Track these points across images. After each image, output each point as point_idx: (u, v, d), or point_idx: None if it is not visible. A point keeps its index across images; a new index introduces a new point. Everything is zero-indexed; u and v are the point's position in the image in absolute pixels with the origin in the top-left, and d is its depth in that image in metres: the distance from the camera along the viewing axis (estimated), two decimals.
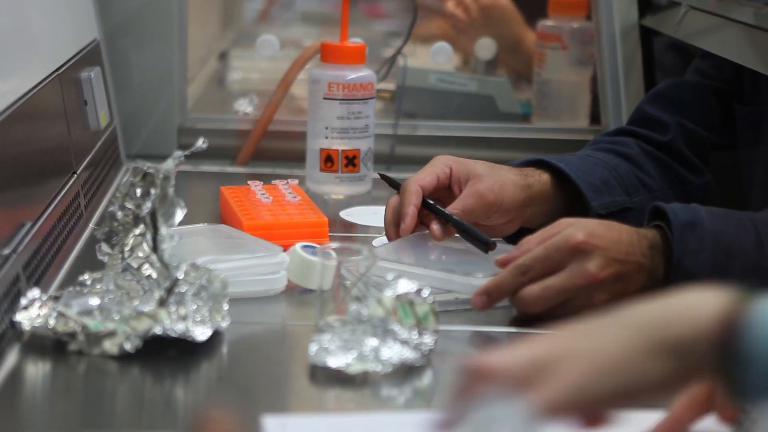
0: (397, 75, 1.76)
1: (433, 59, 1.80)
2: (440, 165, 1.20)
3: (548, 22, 1.74)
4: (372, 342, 0.92)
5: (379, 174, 1.28)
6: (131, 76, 1.63)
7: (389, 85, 1.78)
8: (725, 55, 1.35)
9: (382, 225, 1.31)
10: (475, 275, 1.05)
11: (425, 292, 0.93)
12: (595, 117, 1.72)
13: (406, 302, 0.93)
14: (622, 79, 1.62)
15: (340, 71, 1.44)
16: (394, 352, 0.92)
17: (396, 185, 1.22)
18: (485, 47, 1.81)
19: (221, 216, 1.33)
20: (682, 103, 1.36)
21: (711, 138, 1.35)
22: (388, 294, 0.93)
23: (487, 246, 1.12)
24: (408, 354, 0.92)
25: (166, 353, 0.92)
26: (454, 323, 1.03)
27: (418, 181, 1.18)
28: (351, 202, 1.42)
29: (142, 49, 1.63)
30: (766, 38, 1.27)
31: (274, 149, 1.66)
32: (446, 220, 1.15)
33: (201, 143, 1.06)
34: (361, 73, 1.44)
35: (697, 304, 0.63)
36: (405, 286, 0.93)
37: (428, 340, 0.93)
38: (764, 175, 1.30)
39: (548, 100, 1.74)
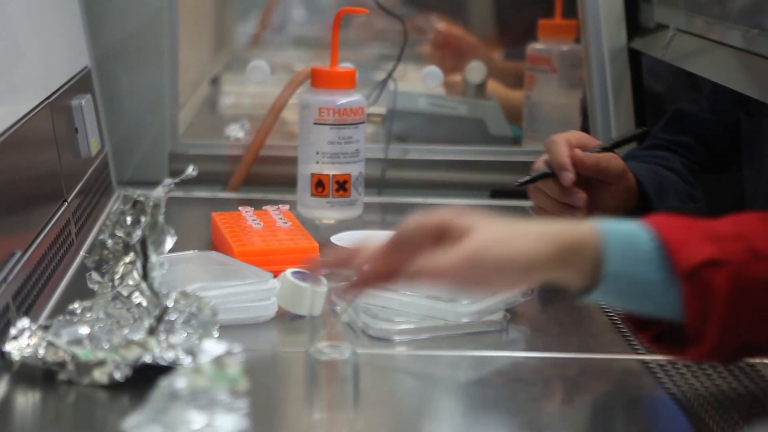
0: (387, 99, 1.76)
1: (424, 83, 1.81)
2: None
3: (538, 46, 1.75)
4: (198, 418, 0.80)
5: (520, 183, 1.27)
6: (123, 102, 1.64)
7: (380, 109, 1.79)
8: (713, 78, 1.36)
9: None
10: (461, 302, 1.06)
11: (235, 349, 0.89)
12: None
13: (217, 365, 0.85)
14: (611, 102, 1.63)
15: (330, 96, 1.44)
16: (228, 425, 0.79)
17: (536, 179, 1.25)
18: (475, 71, 1.82)
19: (212, 242, 1.33)
20: (691, 131, 1.41)
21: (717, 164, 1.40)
22: (204, 359, 0.86)
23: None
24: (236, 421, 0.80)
25: (156, 382, 0.92)
26: (442, 348, 1.04)
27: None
28: (342, 226, 1.43)
29: (133, 75, 1.64)
30: (753, 61, 1.28)
31: (266, 174, 1.66)
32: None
33: (191, 171, 1.06)
34: (352, 98, 1.45)
35: (582, 226, 0.87)
36: (214, 348, 0.87)
37: (241, 405, 0.82)
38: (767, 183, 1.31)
39: (538, 122, 1.75)
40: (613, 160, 1.25)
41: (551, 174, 1.23)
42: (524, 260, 0.85)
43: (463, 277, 0.86)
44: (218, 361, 0.86)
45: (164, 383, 0.82)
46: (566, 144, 1.23)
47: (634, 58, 1.63)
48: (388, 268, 0.89)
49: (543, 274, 0.86)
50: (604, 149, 1.26)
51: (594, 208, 1.24)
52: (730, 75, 1.31)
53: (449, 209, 0.90)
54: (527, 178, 1.25)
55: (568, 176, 1.21)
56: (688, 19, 1.51)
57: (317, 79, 1.46)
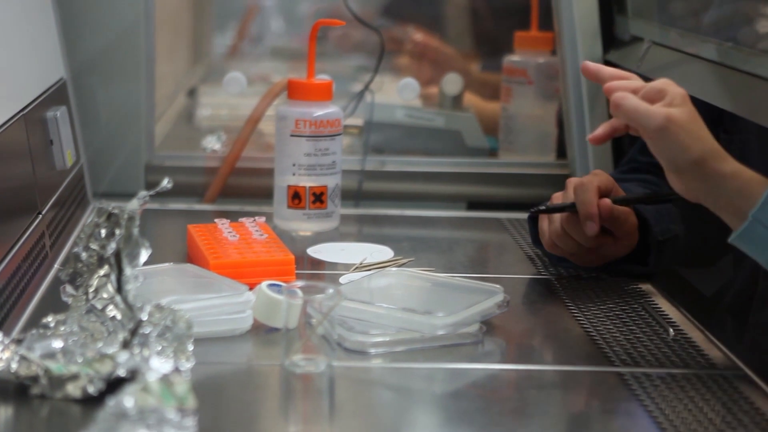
0: (364, 110, 1.76)
1: (400, 95, 1.81)
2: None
3: (514, 58, 1.75)
4: None
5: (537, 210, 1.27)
6: (98, 114, 1.63)
7: (357, 121, 1.79)
8: (688, 90, 1.37)
9: (350, 261, 1.32)
10: (436, 314, 1.06)
11: (184, 365, 0.88)
12: (561, 151, 1.73)
13: (165, 383, 0.85)
14: (587, 114, 1.64)
15: (307, 108, 1.44)
16: None
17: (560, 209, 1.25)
18: (452, 82, 1.82)
19: (188, 254, 1.32)
20: None
21: None
22: (152, 378, 0.85)
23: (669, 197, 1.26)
24: None
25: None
26: (418, 361, 1.04)
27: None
28: (319, 238, 1.43)
29: (109, 87, 1.63)
30: (728, 74, 1.29)
31: (242, 186, 1.66)
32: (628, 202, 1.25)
33: (166, 183, 1.06)
34: (328, 110, 1.45)
35: None
36: (162, 366, 0.87)
37: (190, 423, 0.82)
38: None
39: (515, 134, 1.76)
40: (630, 216, 1.25)
41: (572, 209, 1.23)
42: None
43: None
44: (166, 380, 0.85)
45: (112, 402, 0.81)
46: (596, 192, 1.23)
47: None
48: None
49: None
50: (625, 202, 1.25)
51: (598, 252, 1.26)
52: (704, 88, 1.32)
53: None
54: (545, 207, 1.25)
55: (593, 227, 1.22)
56: (663, 32, 1.53)
57: (294, 91, 1.46)
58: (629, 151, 1.51)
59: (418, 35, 2.02)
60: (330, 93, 1.46)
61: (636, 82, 1.09)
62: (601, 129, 1.11)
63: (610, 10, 1.64)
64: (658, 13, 1.59)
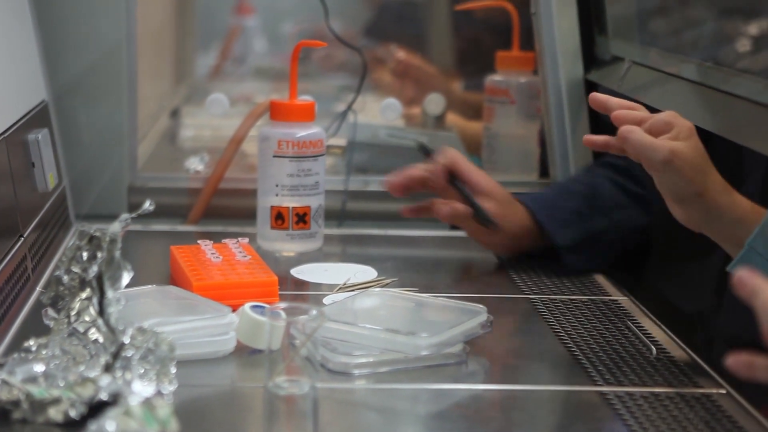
0: (347, 130, 1.77)
1: (383, 115, 1.82)
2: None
3: (496, 77, 1.76)
4: None
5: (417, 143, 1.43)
6: (81, 136, 1.63)
7: (340, 141, 1.79)
8: (668, 110, 1.38)
9: (334, 282, 1.32)
10: (419, 335, 1.06)
11: (166, 388, 0.88)
12: (544, 170, 1.74)
13: (147, 407, 0.85)
14: (569, 132, 1.64)
15: (289, 129, 1.44)
16: None
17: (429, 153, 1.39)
18: (434, 102, 1.83)
19: (171, 276, 1.32)
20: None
21: None
22: (134, 401, 0.85)
23: (493, 224, 1.35)
24: None
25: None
26: (401, 382, 1.04)
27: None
28: (302, 259, 1.43)
29: (91, 108, 1.63)
30: (708, 94, 1.30)
31: (226, 207, 1.66)
32: (464, 196, 1.37)
33: (148, 205, 1.06)
34: (311, 131, 1.45)
35: None
36: (144, 389, 0.87)
37: None
38: None
39: (498, 153, 1.76)
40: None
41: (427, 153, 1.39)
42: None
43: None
44: (148, 403, 0.85)
45: (93, 427, 0.81)
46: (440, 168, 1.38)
47: (591, 89, 1.65)
48: None
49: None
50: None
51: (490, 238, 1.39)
52: (684, 107, 1.33)
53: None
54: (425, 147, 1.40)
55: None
56: (643, 52, 1.54)
57: (276, 112, 1.46)
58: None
59: (400, 53, 2.03)
60: (312, 114, 1.46)
61: (642, 113, 1.10)
62: (602, 139, 1.13)
63: (591, 31, 1.65)
64: (639, 33, 1.60)
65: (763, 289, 0.75)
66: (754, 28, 1.36)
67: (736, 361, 0.76)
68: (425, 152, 1.40)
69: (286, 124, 1.45)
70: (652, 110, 1.44)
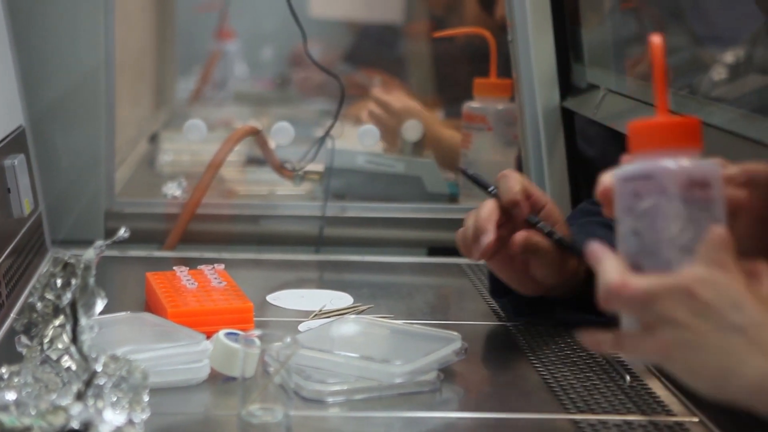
0: (326, 156, 1.77)
1: (361, 141, 1.82)
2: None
3: (473, 104, 1.77)
4: None
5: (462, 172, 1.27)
6: (58, 160, 1.63)
7: (318, 166, 1.80)
8: None
9: (309, 308, 1.32)
10: (394, 362, 1.06)
11: (139, 417, 0.87)
12: None
13: None
14: (545, 159, 1.65)
15: None
16: None
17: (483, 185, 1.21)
18: (412, 129, 1.84)
19: (146, 302, 1.32)
20: None
21: None
22: (105, 430, 0.85)
23: (577, 251, 1.15)
24: None
25: None
26: (376, 409, 1.03)
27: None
28: (278, 285, 1.42)
29: (69, 133, 1.63)
30: None
31: (203, 232, 1.66)
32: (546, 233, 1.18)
33: (123, 232, 1.06)
34: None
35: None
36: (114, 418, 0.87)
37: None
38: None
39: None
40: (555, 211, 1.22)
41: (493, 194, 1.20)
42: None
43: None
44: None
45: None
46: (519, 183, 1.19)
47: (567, 116, 1.66)
48: None
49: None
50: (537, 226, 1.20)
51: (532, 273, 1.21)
52: None
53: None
54: (474, 175, 1.24)
55: (521, 212, 1.17)
56: (619, 80, 1.55)
57: None
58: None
59: (376, 93, 2.02)
60: None
61: None
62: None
63: (568, 58, 1.67)
64: (614, 62, 1.61)
65: (607, 257, 0.80)
66: (729, 57, 1.37)
67: (586, 338, 0.83)
68: (481, 185, 1.24)
69: None
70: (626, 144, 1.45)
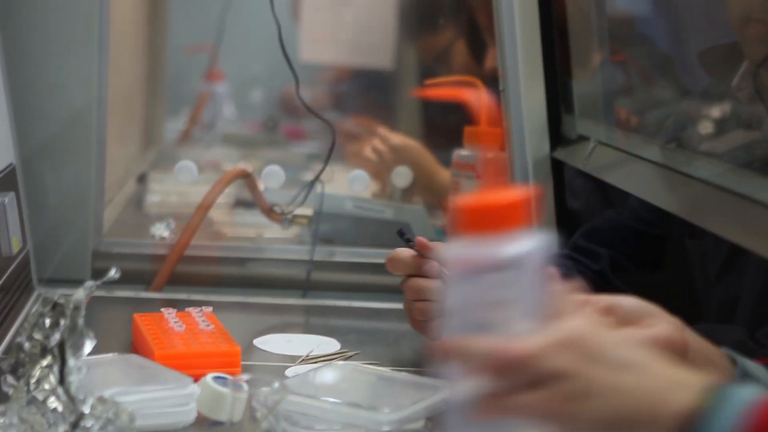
0: (315, 200, 1.77)
1: (351, 186, 1.83)
2: None
3: (463, 152, 1.78)
4: None
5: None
6: (47, 199, 1.62)
7: (307, 210, 1.80)
8: (632, 191, 1.40)
9: (296, 353, 1.31)
10: (382, 410, 1.05)
11: None
12: None
13: None
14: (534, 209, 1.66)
15: None
16: None
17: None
18: (401, 175, 1.85)
19: (133, 344, 1.31)
20: (613, 240, 1.46)
21: (637, 270, 1.42)
22: None
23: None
24: None
25: None
26: None
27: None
28: (266, 329, 1.42)
29: (58, 172, 1.63)
30: (671, 176, 1.31)
31: (191, 274, 1.65)
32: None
33: (113, 273, 1.05)
34: None
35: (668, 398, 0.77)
36: None
37: None
38: (713, 296, 1.33)
39: None
40: None
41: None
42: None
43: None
44: None
45: None
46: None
47: (557, 166, 1.67)
48: None
49: None
50: None
51: None
52: (648, 189, 1.35)
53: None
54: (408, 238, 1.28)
55: (433, 266, 1.23)
56: (609, 132, 1.56)
57: None
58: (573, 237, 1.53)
59: (382, 130, 2.05)
60: None
61: None
62: None
63: (558, 109, 1.68)
64: (605, 114, 1.62)
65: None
66: (716, 112, 1.39)
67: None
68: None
69: None
70: (617, 190, 1.46)
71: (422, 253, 1.24)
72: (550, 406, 0.76)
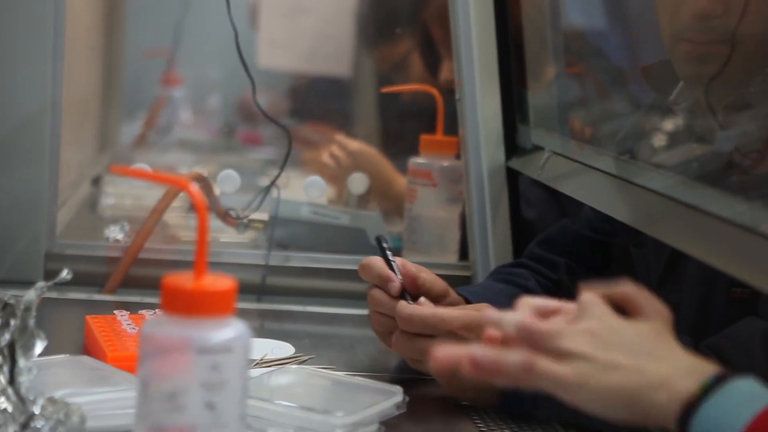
0: (270, 205, 1.77)
1: (306, 192, 1.83)
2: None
3: (419, 160, 1.79)
4: None
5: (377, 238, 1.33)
6: None
7: (262, 215, 1.80)
8: (585, 200, 1.42)
9: (250, 357, 1.31)
10: (335, 414, 1.06)
11: None
12: (463, 253, 1.76)
13: None
14: (489, 217, 1.67)
15: None
16: None
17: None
18: (358, 181, 1.85)
19: (85, 346, 1.30)
20: (568, 248, 1.49)
21: (592, 278, 1.45)
22: None
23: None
24: None
25: None
26: None
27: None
28: None
29: (11, 173, 1.62)
30: (623, 186, 1.33)
31: (144, 277, 1.64)
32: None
33: (65, 274, 1.05)
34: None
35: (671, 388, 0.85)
36: None
37: None
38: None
39: (418, 234, 1.78)
40: (437, 280, 1.29)
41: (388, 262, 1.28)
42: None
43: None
44: None
45: None
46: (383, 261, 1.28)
47: (512, 175, 1.69)
48: None
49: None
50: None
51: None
52: (601, 199, 1.37)
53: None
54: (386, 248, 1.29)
55: (395, 286, 1.25)
56: (563, 143, 1.58)
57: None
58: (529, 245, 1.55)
59: (340, 137, 2.06)
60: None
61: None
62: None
63: (514, 120, 1.70)
64: (559, 125, 1.64)
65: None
66: (669, 125, 1.41)
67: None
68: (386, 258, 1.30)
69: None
70: (571, 200, 1.48)
71: (388, 276, 1.26)
72: (575, 376, 0.86)
